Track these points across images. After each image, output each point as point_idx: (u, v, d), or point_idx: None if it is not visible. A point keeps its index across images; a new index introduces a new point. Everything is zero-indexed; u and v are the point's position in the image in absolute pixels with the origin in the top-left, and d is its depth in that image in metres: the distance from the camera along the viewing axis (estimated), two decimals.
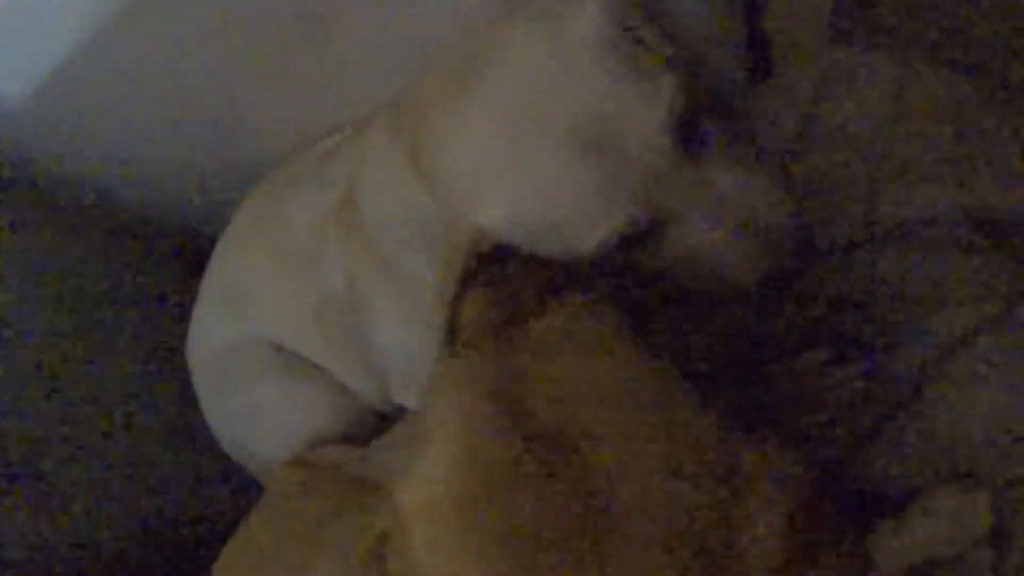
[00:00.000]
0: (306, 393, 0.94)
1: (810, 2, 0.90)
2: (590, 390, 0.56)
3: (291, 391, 0.94)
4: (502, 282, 0.66)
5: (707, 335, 0.89)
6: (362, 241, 0.83)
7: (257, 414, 0.95)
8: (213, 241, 1.01)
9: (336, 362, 0.93)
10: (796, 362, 0.82)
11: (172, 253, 1.12)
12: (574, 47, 0.65)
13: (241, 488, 0.99)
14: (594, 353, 0.59)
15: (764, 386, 0.83)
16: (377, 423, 0.96)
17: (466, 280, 0.67)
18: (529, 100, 0.64)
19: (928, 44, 0.82)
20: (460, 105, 0.66)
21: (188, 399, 1.00)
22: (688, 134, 0.65)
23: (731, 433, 0.56)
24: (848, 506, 0.80)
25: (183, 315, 1.05)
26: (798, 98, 0.87)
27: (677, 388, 0.57)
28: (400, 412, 0.93)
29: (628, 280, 0.74)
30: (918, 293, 0.79)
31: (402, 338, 0.84)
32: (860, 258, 0.82)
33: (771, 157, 0.86)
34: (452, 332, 0.66)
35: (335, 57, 0.88)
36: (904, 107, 0.82)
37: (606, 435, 0.53)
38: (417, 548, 0.52)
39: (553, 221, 0.66)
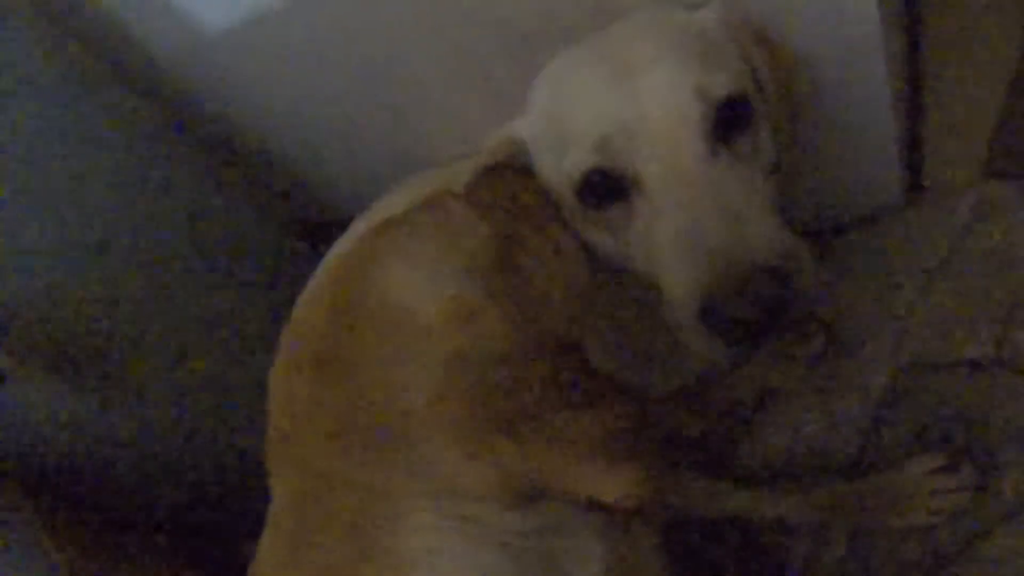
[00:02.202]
0: None
1: (966, 135, 0.97)
2: None
3: None
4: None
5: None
6: None
7: None
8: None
9: None
10: (909, 464, 0.85)
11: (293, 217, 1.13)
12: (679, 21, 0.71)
13: None
14: None
15: (872, 482, 0.86)
16: None
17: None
18: (611, 37, 0.71)
19: None
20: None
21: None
22: (723, 128, 0.66)
23: None
24: None
25: (285, 276, 1.05)
26: (954, 221, 0.93)
27: None
28: None
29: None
30: None
31: None
32: (986, 378, 0.86)
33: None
34: None
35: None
36: None
37: None
38: None
39: (559, 124, 0.71)
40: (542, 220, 0.72)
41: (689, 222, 0.62)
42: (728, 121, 0.66)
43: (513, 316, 0.65)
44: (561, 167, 0.70)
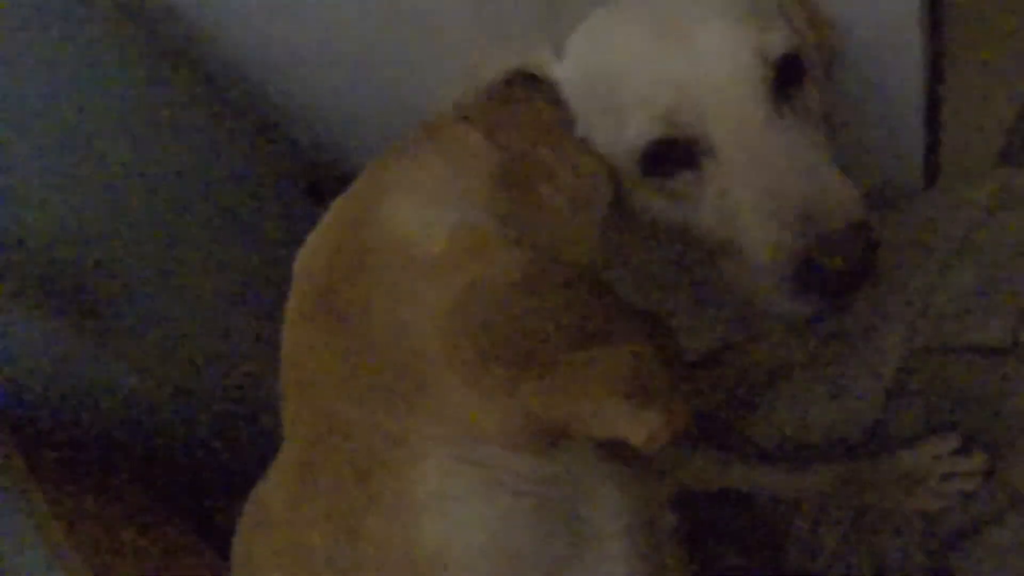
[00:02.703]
0: None
1: (985, 123, 0.97)
2: None
3: None
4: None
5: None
6: None
7: None
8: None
9: None
10: (920, 446, 0.85)
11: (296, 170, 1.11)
12: None
13: None
14: None
15: (881, 463, 0.86)
16: None
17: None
18: None
19: None
20: None
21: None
22: (782, 87, 0.65)
23: None
24: None
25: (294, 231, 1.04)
26: (974, 207, 0.93)
27: None
28: None
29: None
30: None
31: None
32: (1000, 365, 0.86)
33: None
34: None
35: None
36: None
37: None
38: None
39: (610, 85, 0.68)
40: (560, 137, 0.69)
41: (770, 183, 0.62)
42: (785, 78, 0.66)
43: (529, 242, 0.62)
44: (618, 136, 0.68)
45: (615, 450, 0.61)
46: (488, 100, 0.72)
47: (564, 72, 0.73)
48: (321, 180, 1.13)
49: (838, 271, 0.59)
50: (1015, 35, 1.00)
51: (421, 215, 0.62)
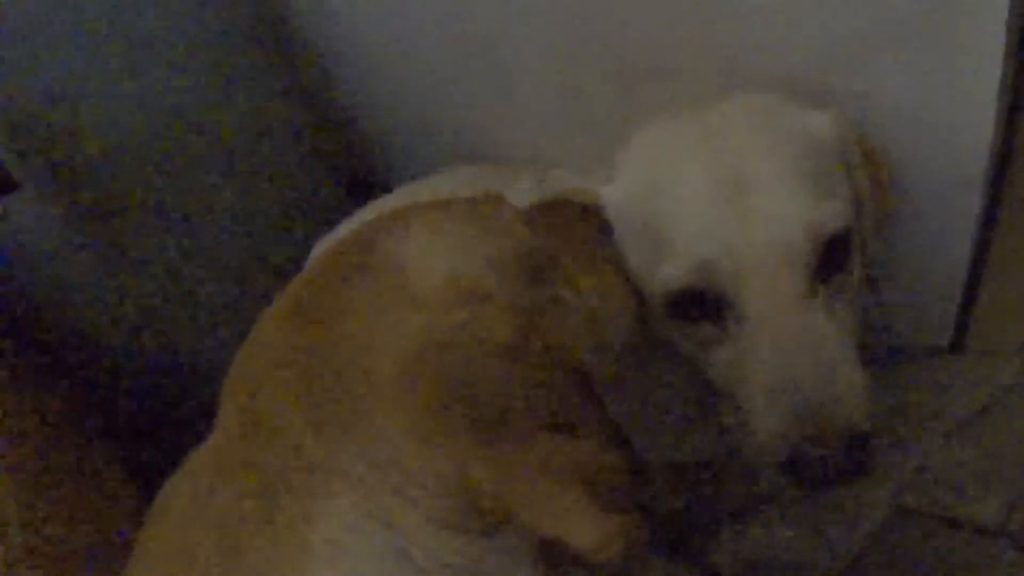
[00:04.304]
0: None
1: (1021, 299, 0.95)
2: None
3: None
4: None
5: None
6: None
7: None
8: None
9: None
10: None
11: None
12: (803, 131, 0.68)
13: None
14: None
15: None
16: None
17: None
18: (722, 134, 0.68)
19: None
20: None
21: None
22: (824, 266, 0.65)
23: None
24: None
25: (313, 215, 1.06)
26: (997, 379, 0.91)
27: None
28: None
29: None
30: None
31: None
32: (986, 545, 0.82)
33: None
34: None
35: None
36: None
37: None
38: None
39: (656, 221, 0.68)
40: (598, 265, 0.69)
41: (784, 367, 0.62)
42: (829, 256, 0.66)
43: (526, 316, 0.60)
44: (653, 271, 0.68)
45: (555, 557, 0.56)
46: (545, 207, 0.71)
47: (614, 196, 0.72)
48: (360, 181, 1.14)
49: (826, 470, 0.60)
50: None
51: (431, 251, 0.61)
